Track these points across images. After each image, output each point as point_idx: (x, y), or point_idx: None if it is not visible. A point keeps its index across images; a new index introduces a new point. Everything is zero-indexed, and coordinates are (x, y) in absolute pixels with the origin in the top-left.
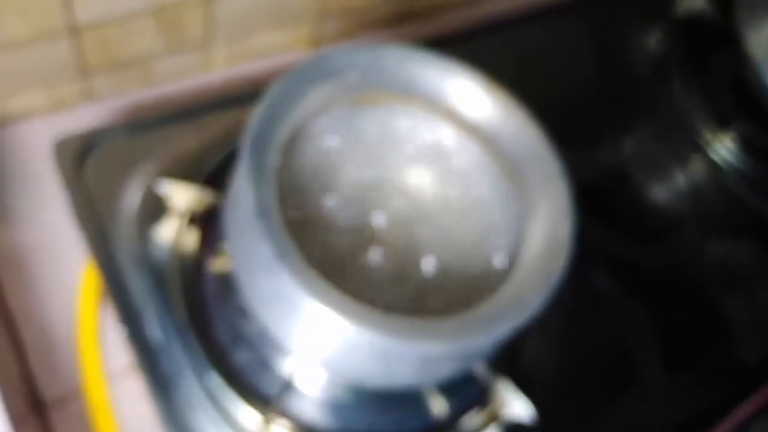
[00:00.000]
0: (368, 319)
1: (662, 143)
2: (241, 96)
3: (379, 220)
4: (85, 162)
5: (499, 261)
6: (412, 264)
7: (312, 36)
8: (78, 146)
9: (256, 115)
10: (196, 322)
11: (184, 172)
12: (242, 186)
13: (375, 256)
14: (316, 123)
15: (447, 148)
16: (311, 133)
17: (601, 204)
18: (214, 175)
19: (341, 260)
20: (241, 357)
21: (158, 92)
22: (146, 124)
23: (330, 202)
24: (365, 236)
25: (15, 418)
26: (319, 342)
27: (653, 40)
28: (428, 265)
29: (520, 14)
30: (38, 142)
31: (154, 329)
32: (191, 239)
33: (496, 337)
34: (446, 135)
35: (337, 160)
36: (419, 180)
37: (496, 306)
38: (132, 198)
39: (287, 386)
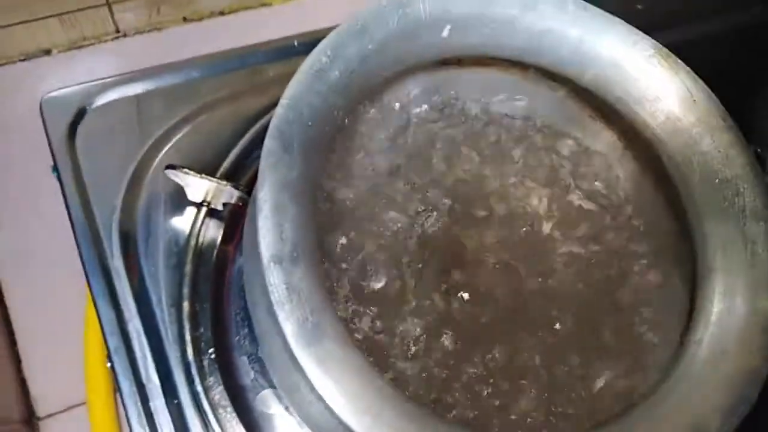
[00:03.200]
0: None
1: None
2: (304, 42)
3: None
4: (80, 127)
5: (649, 344)
6: (505, 338)
7: None
8: (71, 106)
9: (288, 98)
10: (207, 354)
11: (212, 149)
12: (255, 219)
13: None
14: (388, 102)
15: (583, 158)
16: (380, 116)
17: None
18: (247, 158)
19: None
20: (263, 407)
21: (201, 31)
22: (162, 76)
23: (402, 219)
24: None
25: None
26: None
27: None
28: (532, 343)
29: None
30: (54, 85)
31: (149, 368)
32: (212, 235)
33: None
34: (587, 136)
35: (414, 159)
36: (530, 200)
37: (652, 423)
38: (136, 178)
39: None
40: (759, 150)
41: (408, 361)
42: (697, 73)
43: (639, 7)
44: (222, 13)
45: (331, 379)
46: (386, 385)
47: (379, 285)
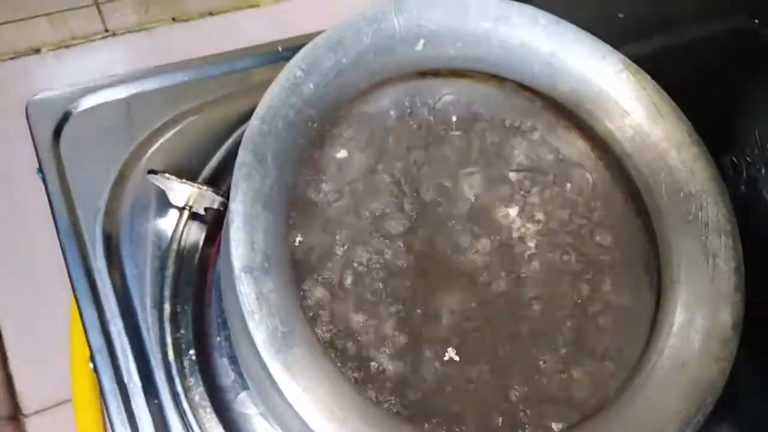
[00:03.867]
0: None
1: None
2: (288, 48)
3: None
4: (65, 130)
5: (613, 353)
6: (481, 340)
7: None
8: (56, 109)
9: (262, 110)
10: (188, 355)
11: (196, 153)
12: (228, 229)
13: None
14: (365, 112)
15: (557, 167)
16: (357, 125)
17: None
18: (229, 163)
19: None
20: (243, 408)
21: (190, 32)
22: (147, 80)
23: (387, 226)
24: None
25: None
26: None
27: None
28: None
29: None
30: (37, 88)
31: (130, 368)
32: (194, 238)
33: None
34: (562, 146)
35: (391, 167)
36: (503, 206)
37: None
38: (120, 181)
39: None
40: (735, 159)
41: (379, 368)
42: (675, 79)
43: (620, 15)
44: (211, 14)
45: (300, 386)
46: (355, 393)
47: (353, 290)
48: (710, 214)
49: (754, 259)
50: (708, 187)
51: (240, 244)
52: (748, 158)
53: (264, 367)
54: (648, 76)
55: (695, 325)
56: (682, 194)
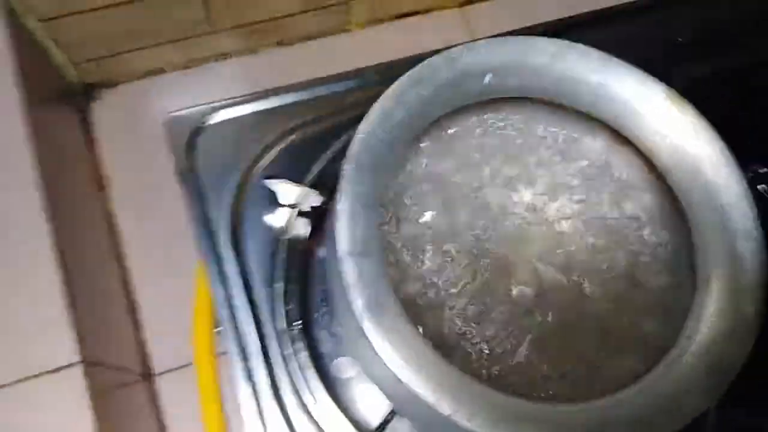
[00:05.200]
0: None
1: None
2: (378, 71)
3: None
4: (197, 141)
5: (651, 337)
6: (526, 320)
7: None
8: (189, 124)
9: (362, 132)
10: (295, 326)
11: (300, 162)
12: (335, 223)
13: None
14: (443, 132)
15: (613, 179)
16: (438, 145)
17: None
18: (328, 170)
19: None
20: (336, 372)
21: (291, 55)
22: (262, 100)
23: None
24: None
25: (127, 383)
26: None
27: None
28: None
29: None
30: (163, 103)
31: (250, 334)
32: (301, 231)
33: None
34: (617, 161)
35: (464, 173)
36: (564, 212)
37: (642, 399)
38: (241, 184)
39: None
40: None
41: (453, 333)
42: (720, 102)
43: (679, 39)
44: (308, 38)
45: (390, 343)
46: (433, 352)
47: (434, 270)
48: (739, 223)
49: None
50: (738, 200)
51: (344, 234)
52: None
53: (361, 330)
54: (689, 104)
55: (722, 316)
56: (715, 206)
